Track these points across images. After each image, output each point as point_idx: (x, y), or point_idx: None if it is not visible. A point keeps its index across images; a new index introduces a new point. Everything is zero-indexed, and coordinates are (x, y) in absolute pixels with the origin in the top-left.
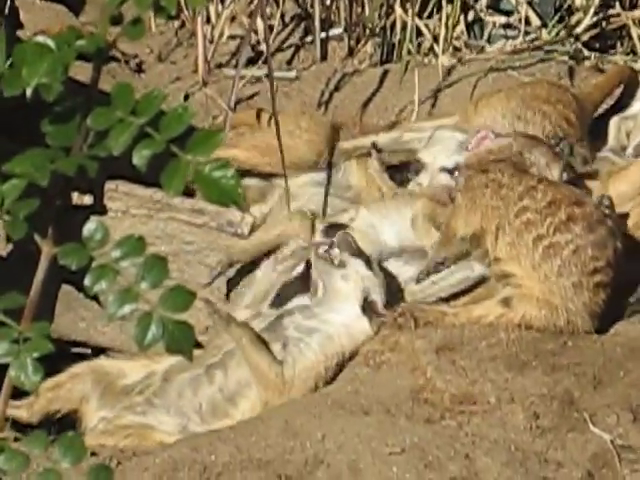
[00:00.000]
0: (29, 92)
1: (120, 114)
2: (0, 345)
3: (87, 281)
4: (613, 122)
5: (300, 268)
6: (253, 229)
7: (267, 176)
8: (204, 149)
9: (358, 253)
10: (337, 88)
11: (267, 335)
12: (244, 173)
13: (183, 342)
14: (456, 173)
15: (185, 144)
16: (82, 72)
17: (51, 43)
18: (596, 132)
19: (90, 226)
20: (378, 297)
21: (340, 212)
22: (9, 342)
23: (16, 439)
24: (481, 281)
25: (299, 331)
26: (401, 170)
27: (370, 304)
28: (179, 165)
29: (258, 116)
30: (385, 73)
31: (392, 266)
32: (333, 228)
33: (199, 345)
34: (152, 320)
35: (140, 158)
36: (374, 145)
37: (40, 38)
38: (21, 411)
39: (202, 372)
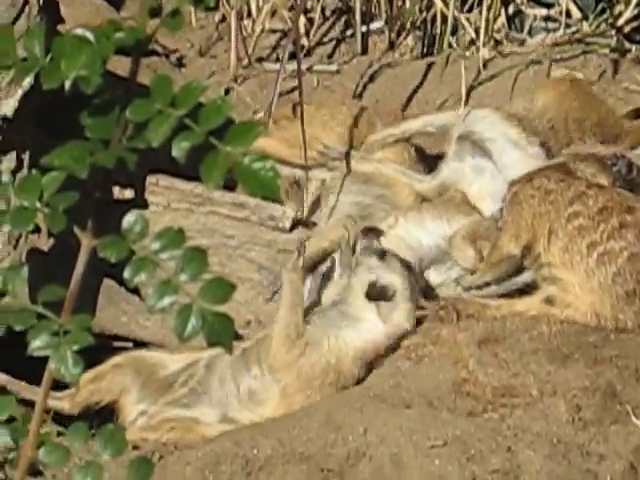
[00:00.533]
0: (68, 85)
1: (159, 106)
2: (40, 337)
3: (127, 273)
4: None
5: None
6: (294, 223)
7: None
8: (243, 141)
9: (381, 253)
10: (377, 81)
11: None
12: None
13: (223, 334)
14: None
15: (224, 136)
16: (122, 67)
17: (90, 36)
18: None
19: (129, 218)
20: (394, 285)
21: (379, 216)
22: (49, 335)
23: (59, 434)
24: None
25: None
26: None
27: (381, 289)
28: (218, 157)
29: (294, 109)
30: (426, 66)
31: (430, 274)
32: (372, 232)
33: (239, 338)
34: (192, 312)
35: (179, 150)
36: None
37: (79, 31)
38: (63, 403)
39: (239, 355)
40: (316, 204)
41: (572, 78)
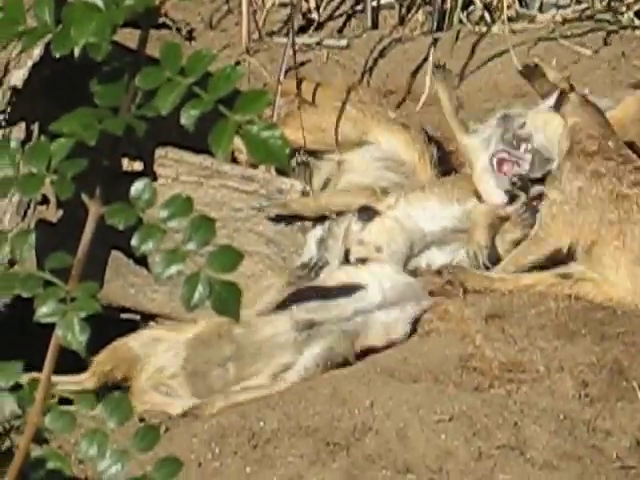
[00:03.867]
0: (77, 51)
1: (168, 74)
2: (47, 304)
3: (134, 241)
4: None
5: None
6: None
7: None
8: (252, 109)
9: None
10: (388, 56)
11: None
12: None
13: (230, 303)
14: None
15: (233, 105)
16: (132, 39)
17: (100, 3)
18: None
19: (138, 186)
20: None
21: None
22: (56, 301)
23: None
24: None
25: None
26: None
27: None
28: (227, 125)
29: (299, 86)
30: (436, 42)
31: (431, 255)
32: (367, 211)
33: None
34: (199, 280)
35: (188, 118)
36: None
37: None
38: (83, 384)
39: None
40: (327, 183)
41: None
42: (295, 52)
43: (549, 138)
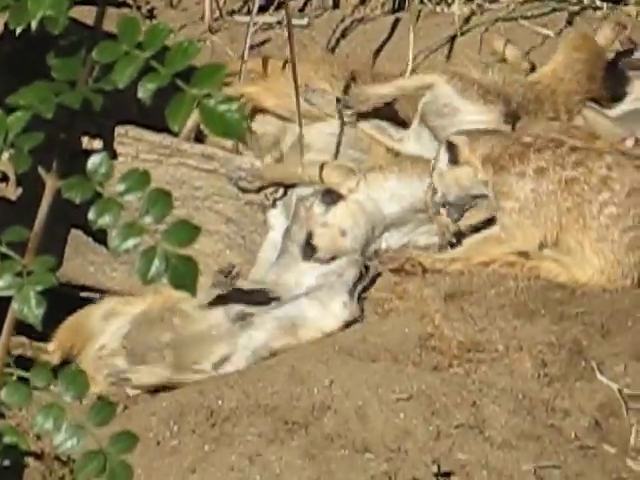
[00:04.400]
0: (34, 24)
1: (126, 47)
2: (3, 278)
3: (91, 215)
4: None
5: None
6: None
7: (280, 121)
8: (209, 83)
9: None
10: (348, 36)
11: None
12: (257, 117)
13: (187, 277)
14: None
15: (190, 79)
16: (90, 16)
17: None
18: None
19: (94, 160)
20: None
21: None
22: (12, 275)
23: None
24: None
25: None
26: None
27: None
28: (184, 99)
29: (264, 64)
30: (397, 21)
31: (389, 237)
32: (330, 194)
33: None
34: (156, 254)
35: (145, 91)
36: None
37: None
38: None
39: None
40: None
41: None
42: (256, 31)
43: (464, 187)
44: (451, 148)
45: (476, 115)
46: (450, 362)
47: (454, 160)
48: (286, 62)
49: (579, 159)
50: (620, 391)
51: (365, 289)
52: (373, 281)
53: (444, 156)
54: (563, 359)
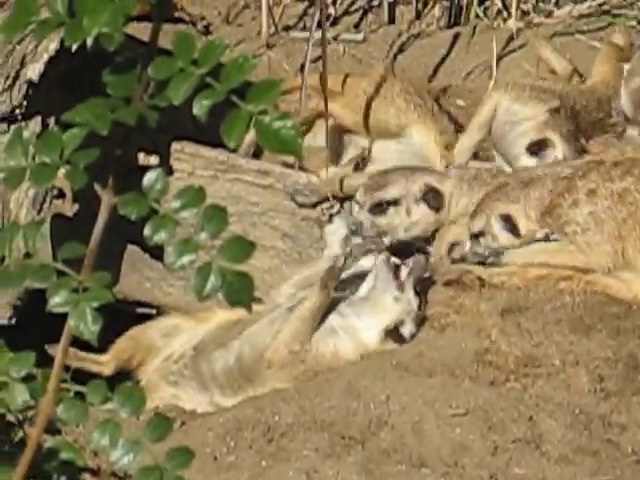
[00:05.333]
0: (90, 42)
1: (181, 64)
2: (59, 294)
3: (147, 231)
4: None
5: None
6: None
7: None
8: (265, 99)
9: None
10: (404, 51)
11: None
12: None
13: (242, 293)
14: None
15: (245, 95)
16: (147, 32)
17: None
18: None
19: (150, 176)
20: (407, 330)
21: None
22: (68, 291)
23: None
24: None
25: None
26: None
27: (397, 334)
28: (239, 115)
29: (344, 81)
30: (453, 36)
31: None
32: (379, 207)
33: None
34: (211, 270)
35: (200, 108)
36: None
37: None
38: (103, 367)
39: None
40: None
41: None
42: (324, 47)
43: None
44: (507, 221)
45: (531, 118)
46: (507, 377)
47: (516, 232)
48: (347, 77)
49: (625, 170)
50: None
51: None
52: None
53: (502, 232)
54: (620, 374)
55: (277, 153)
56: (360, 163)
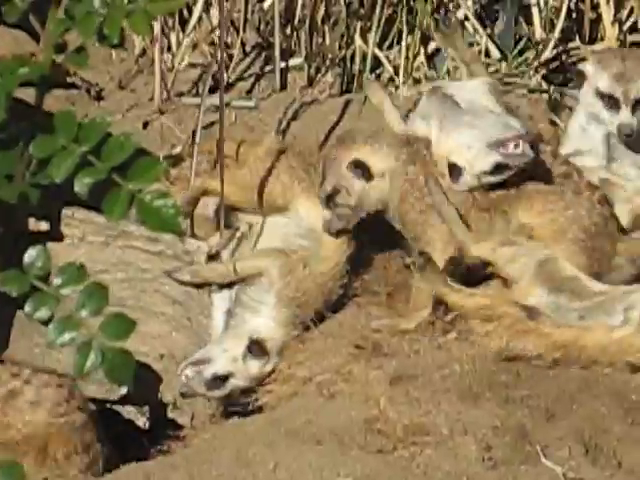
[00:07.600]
0: None
1: (62, 142)
2: None
3: (27, 308)
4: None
5: None
6: (208, 258)
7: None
8: (145, 178)
9: None
10: (296, 117)
11: None
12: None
13: (123, 370)
14: None
15: (127, 172)
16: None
17: None
18: None
19: (31, 252)
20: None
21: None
22: None
23: None
24: None
25: None
26: None
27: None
28: (120, 193)
29: (237, 149)
30: (345, 103)
31: None
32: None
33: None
34: (91, 348)
35: (82, 186)
36: None
37: None
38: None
39: None
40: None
41: None
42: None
43: None
44: (358, 166)
45: None
46: (395, 445)
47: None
48: (240, 145)
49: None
50: (565, 475)
51: None
52: None
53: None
54: (508, 443)
55: (157, 231)
56: (243, 237)
